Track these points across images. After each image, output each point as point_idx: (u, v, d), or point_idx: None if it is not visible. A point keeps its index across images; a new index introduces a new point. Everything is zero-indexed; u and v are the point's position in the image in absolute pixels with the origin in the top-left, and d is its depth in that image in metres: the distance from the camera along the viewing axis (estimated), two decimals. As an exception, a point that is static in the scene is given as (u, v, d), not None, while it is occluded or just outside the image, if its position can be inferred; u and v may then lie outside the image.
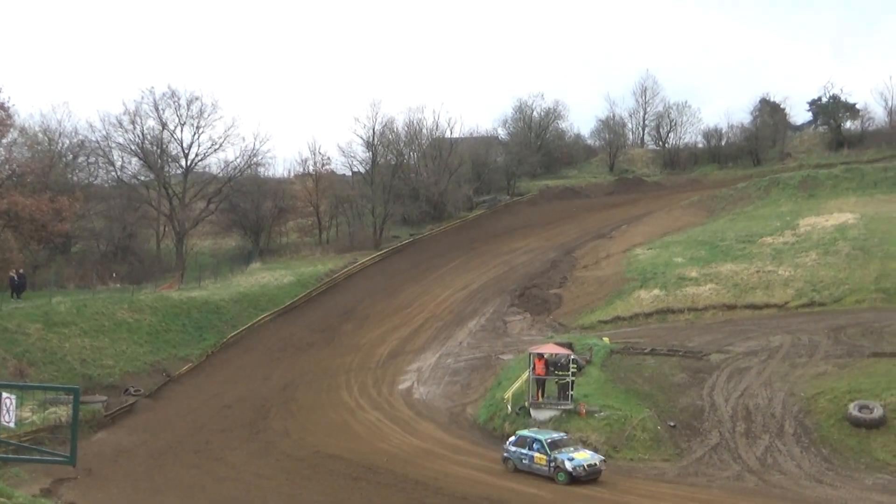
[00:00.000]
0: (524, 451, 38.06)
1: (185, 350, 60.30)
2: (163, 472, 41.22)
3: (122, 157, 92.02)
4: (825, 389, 41.57)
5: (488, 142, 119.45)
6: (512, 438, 39.43)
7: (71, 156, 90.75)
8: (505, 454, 38.90)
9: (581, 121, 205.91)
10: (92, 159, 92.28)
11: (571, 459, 36.40)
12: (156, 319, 61.78)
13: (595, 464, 36.58)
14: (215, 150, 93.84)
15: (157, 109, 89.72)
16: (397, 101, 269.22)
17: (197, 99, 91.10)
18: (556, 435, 38.85)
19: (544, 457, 37.13)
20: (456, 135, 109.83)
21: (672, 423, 41.07)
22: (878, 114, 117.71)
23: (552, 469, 36.67)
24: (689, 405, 42.84)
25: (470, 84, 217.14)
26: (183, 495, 37.78)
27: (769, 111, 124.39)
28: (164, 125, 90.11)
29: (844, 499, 33.20)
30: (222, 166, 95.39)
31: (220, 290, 71.32)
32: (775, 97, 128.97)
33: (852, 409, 38.77)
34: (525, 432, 39.28)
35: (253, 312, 68.45)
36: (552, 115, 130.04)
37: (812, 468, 36.43)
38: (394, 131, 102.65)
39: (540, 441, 37.81)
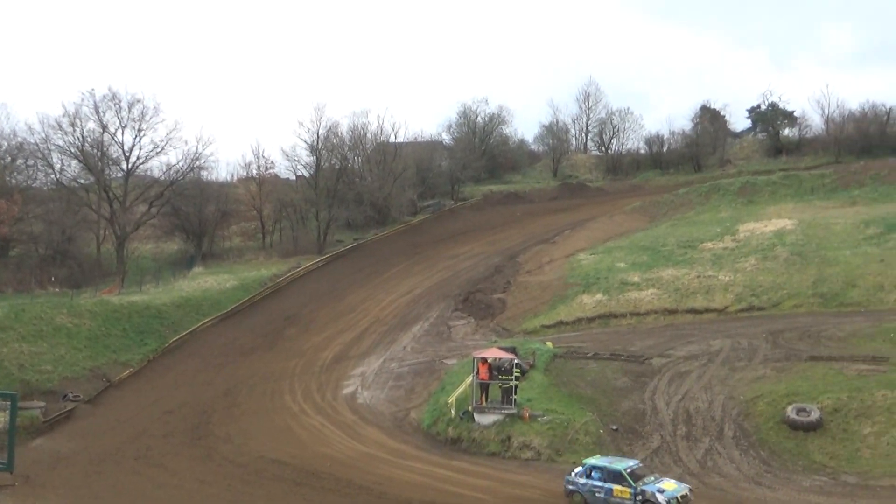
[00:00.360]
0: (598, 483, 34.00)
1: (126, 355, 59.56)
2: (102, 478, 40.70)
3: (62, 160, 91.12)
4: (764, 393, 42.21)
5: (433, 146, 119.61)
6: (578, 469, 35.17)
7: (9, 158, 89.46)
8: (570, 487, 34.73)
9: (525, 126, 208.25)
10: (31, 162, 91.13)
11: (662, 492, 32.83)
12: (96, 324, 60.96)
13: (686, 494, 33.17)
14: (157, 154, 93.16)
15: (97, 112, 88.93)
16: (342, 105, 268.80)
17: (138, 101, 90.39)
18: (632, 463, 35.11)
19: (628, 490, 33.26)
20: (400, 139, 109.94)
21: (614, 427, 41.41)
22: (816, 121, 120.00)
23: None
24: (631, 409, 43.24)
25: (414, 89, 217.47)
26: (124, 501, 37.34)
27: (709, 118, 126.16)
28: (104, 128, 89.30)
29: (782, 500, 33.70)
30: (164, 169, 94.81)
31: (162, 294, 70.59)
32: (716, 104, 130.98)
33: (790, 412, 39.43)
34: (595, 461, 35.11)
35: (195, 317, 67.81)
36: (496, 120, 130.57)
37: (751, 470, 36.95)
38: (338, 135, 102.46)
39: (619, 472, 33.81)
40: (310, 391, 53.13)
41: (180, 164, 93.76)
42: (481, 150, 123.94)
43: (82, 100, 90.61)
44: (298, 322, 68.57)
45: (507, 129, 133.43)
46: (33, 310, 59.31)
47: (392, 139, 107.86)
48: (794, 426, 38.94)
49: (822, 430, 38.51)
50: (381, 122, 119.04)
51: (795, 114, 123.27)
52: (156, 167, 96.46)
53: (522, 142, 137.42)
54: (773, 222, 73.89)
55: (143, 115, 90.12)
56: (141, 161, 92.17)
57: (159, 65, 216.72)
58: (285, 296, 75.86)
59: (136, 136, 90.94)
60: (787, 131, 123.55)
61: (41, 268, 77.62)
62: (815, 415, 38.91)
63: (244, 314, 71.16)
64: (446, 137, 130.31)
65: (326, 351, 61.23)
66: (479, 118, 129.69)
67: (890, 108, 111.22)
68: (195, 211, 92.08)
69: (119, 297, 67.81)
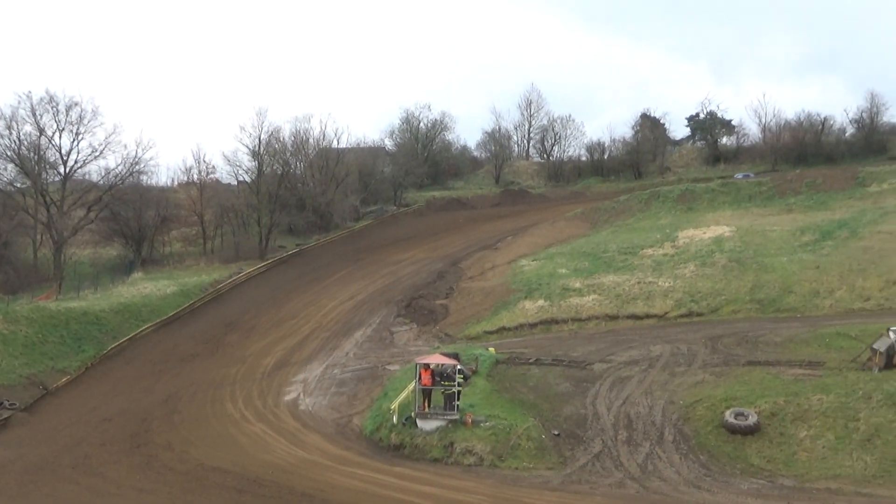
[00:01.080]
0: None
1: (64, 362, 58.65)
2: (39, 487, 39.90)
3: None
4: (703, 397, 42.72)
5: (375, 152, 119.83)
6: None
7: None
8: None
9: (468, 133, 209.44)
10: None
11: None
12: (32, 331, 59.95)
13: None
14: (95, 158, 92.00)
15: (34, 115, 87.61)
16: (284, 109, 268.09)
17: (76, 104, 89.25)
18: None
19: None
20: (343, 145, 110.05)
21: (556, 432, 41.62)
22: (753, 130, 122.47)
23: None
24: (572, 414, 43.49)
25: (357, 94, 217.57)
26: (60, 512, 36.78)
27: (650, 126, 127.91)
28: (41, 131, 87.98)
29: (721, 503, 34.15)
30: (103, 174, 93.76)
31: (101, 300, 69.63)
32: (656, 113, 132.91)
33: (728, 417, 39.95)
34: None
35: (135, 323, 67.02)
36: (439, 126, 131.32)
37: (690, 474, 37.34)
38: (280, 141, 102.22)
39: None
40: (251, 398, 52.71)
41: (119, 168, 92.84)
42: (424, 156, 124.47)
43: (19, 102, 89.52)
44: (240, 328, 68.04)
45: (449, 136, 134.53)
46: (-32, 316, 58.27)
47: (335, 145, 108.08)
48: (733, 430, 39.45)
49: (759, 434, 39.06)
50: (323, 128, 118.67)
51: (733, 123, 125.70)
52: (94, 171, 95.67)
53: (465, 148, 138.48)
54: (712, 229, 74.98)
55: (81, 118, 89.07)
56: (79, 165, 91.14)
57: (98, 67, 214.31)
58: (227, 302, 75.29)
59: (73, 140, 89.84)
60: (725, 140, 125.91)
61: (-25, 273, 76.25)
62: (752, 419, 39.47)
63: (184, 320, 70.46)
64: (389, 143, 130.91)
65: (268, 357, 60.81)
66: (421, 124, 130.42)
67: (825, 118, 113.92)
68: (134, 216, 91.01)
69: (56, 304, 66.77)
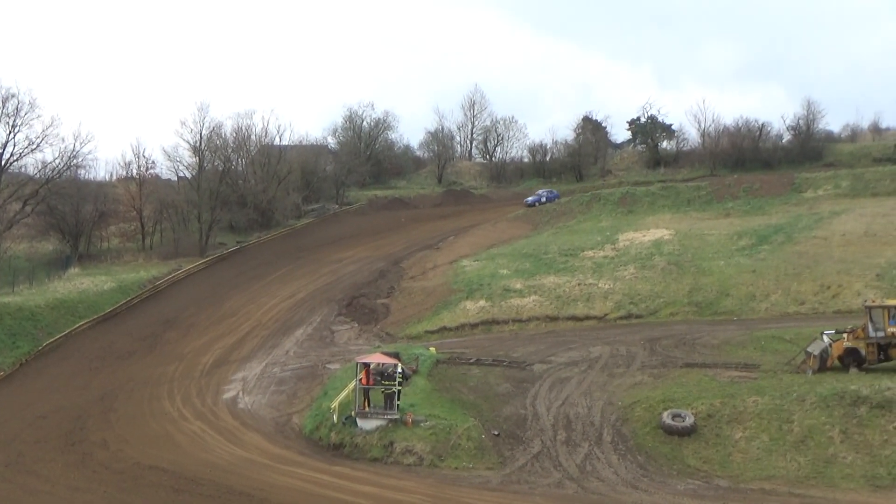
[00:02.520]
0: None
1: (-3, 358, 57.58)
2: (-30, 486, 39.19)
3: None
4: (641, 399, 43.20)
5: (318, 150, 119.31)
6: None
7: None
8: None
9: (411, 132, 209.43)
10: None
11: None
12: (-36, 326, 58.82)
13: None
14: (32, 151, 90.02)
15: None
16: (226, 105, 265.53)
17: (13, 96, 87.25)
18: None
19: None
20: (285, 142, 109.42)
21: (496, 432, 41.79)
22: (692, 135, 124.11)
23: None
24: (512, 414, 43.72)
25: (300, 92, 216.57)
26: (-7, 510, 36.10)
27: (591, 129, 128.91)
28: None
29: (658, 504, 34.56)
30: (40, 167, 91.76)
31: (36, 295, 68.44)
32: (598, 116, 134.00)
33: (666, 418, 40.43)
34: None
35: (71, 319, 65.98)
36: (382, 125, 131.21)
37: (628, 475, 37.71)
38: (221, 136, 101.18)
39: None
40: (190, 396, 52.20)
41: (56, 161, 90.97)
42: (366, 154, 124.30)
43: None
44: (178, 326, 67.34)
45: (392, 135, 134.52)
46: None
47: (277, 142, 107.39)
48: (670, 431, 39.94)
49: (696, 436, 39.57)
50: (265, 125, 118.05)
51: (673, 127, 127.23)
52: (30, 164, 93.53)
53: (408, 147, 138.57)
54: (652, 232, 75.89)
55: (17, 110, 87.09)
56: (15, 158, 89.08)
57: (36, 59, 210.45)
58: (165, 299, 74.48)
59: (9, 133, 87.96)
60: (665, 144, 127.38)
61: None
62: (689, 420, 39.99)
63: (122, 317, 69.58)
64: (332, 141, 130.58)
65: (207, 355, 60.28)
66: (364, 123, 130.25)
67: (763, 124, 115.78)
68: (72, 210, 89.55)
69: (-11, 298, 65.52)
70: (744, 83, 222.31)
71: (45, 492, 38.04)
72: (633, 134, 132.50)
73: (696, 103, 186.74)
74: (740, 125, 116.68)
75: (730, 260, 65.88)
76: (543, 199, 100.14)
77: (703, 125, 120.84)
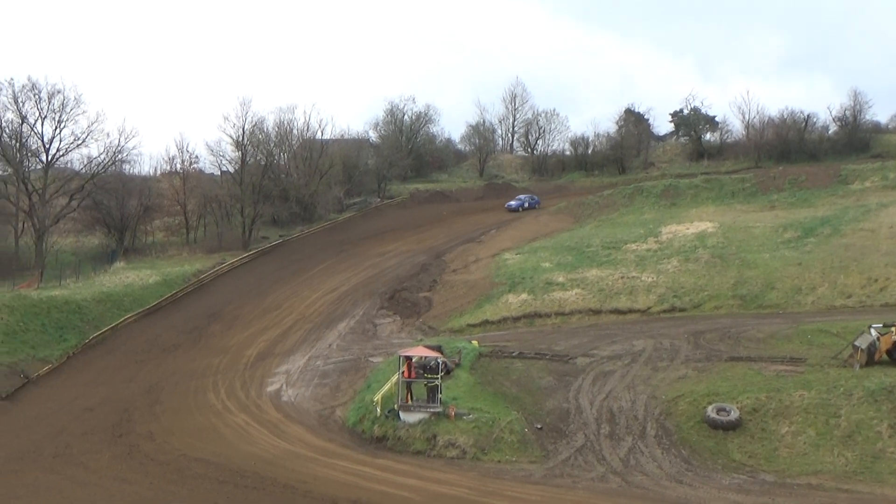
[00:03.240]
0: None
1: (45, 351, 58.27)
2: (20, 477, 39.65)
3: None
4: (685, 392, 42.91)
5: (359, 144, 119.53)
6: None
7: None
8: None
9: (452, 126, 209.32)
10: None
11: None
12: (13, 319, 59.54)
13: None
14: (78, 146, 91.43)
15: (16, 102, 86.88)
16: (268, 100, 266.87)
17: (59, 92, 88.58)
18: None
19: None
20: (327, 136, 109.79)
21: (539, 426, 41.71)
22: (736, 127, 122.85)
23: None
24: (555, 408, 43.61)
25: (342, 85, 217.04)
26: (42, 500, 36.48)
27: (634, 121, 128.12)
28: (23, 118, 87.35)
29: (703, 498, 34.23)
30: (85, 162, 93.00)
31: (83, 289, 69.26)
32: (640, 108, 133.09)
33: (710, 412, 40.13)
34: None
35: (117, 313, 66.69)
36: (423, 119, 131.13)
37: (672, 469, 37.50)
38: (264, 131, 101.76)
39: None
40: (234, 389, 52.60)
41: (102, 156, 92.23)
42: (408, 148, 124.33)
43: (1, 90, 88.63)
44: (223, 319, 67.84)
45: (433, 128, 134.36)
46: (-52, 303, 57.86)
47: (318, 136, 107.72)
48: (715, 425, 39.64)
49: (741, 430, 39.25)
50: (307, 119, 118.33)
51: (717, 119, 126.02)
52: (76, 160, 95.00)
53: (449, 141, 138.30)
54: (695, 225, 75.26)
55: (63, 106, 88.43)
56: (61, 153, 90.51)
57: (82, 55, 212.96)
58: (209, 292, 75.06)
59: (56, 128, 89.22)
60: (708, 136, 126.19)
61: (-44, 261, 75.80)
62: (734, 414, 39.66)
63: (167, 310, 70.21)
64: (373, 135, 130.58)
65: (251, 348, 60.68)
66: (406, 116, 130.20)
67: (808, 115, 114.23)
68: (117, 205, 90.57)
69: (38, 292, 66.36)
70: (788, 74, 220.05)
71: (92, 483, 38.48)
72: (676, 126, 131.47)
73: (740, 94, 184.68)
74: (785, 116, 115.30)
75: (775, 253, 65.21)
76: (525, 205, 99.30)
77: (747, 116, 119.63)
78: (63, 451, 43.20)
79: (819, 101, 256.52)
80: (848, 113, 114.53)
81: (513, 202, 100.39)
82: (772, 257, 64.12)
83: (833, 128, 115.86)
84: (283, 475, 37.80)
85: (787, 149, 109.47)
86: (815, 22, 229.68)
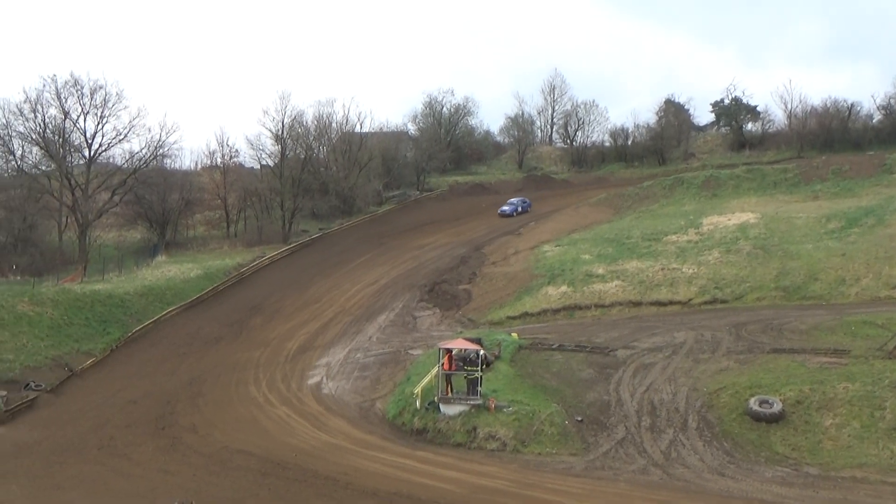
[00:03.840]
0: None
1: (89, 344, 58.96)
2: (65, 468, 40.24)
3: (23, 147, 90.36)
4: (727, 385, 42.57)
5: (398, 137, 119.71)
6: None
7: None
8: None
9: (490, 118, 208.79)
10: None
11: None
12: (58, 313, 60.32)
13: None
14: (120, 141, 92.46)
15: (59, 98, 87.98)
16: (307, 93, 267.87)
17: (101, 88, 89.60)
18: None
19: None
20: (366, 129, 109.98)
21: (579, 418, 41.59)
22: (778, 116, 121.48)
23: None
24: (595, 400, 43.45)
25: (380, 79, 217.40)
26: (86, 492, 36.98)
27: (674, 112, 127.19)
28: (66, 114, 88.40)
29: (745, 491, 34.00)
30: (127, 157, 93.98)
31: (125, 283, 69.99)
32: (680, 98, 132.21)
33: (753, 404, 39.78)
34: None
35: (159, 306, 67.31)
36: (462, 111, 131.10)
37: (714, 461, 37.25)
38: (303, 125, 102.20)
39: None
40: (275, 381, 52.93)
41: (143, 151, 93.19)
42: (447, 140, 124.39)
43: (44, 86, 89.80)
44: (263, 312, 68.27)
45: (472, 121, 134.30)
46: (-6, 298, 58.62)
47: (357, 129, 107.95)
48: (757, 418, 39.31)
49: (784, 422, 38.90)
50: (346, 112, 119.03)
51: (758, 109, 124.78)
52: (118, 155, 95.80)
53: (488, 133, 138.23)
54: (737, 216, 74.53)
55: (105, 101, 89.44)
56: (103, 148, 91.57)
57: (122, 51, 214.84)
58: (250, 285, 75.56)
59: (98, 123, 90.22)
60: (750, 126, 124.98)
61: (1, 255, 76.85)
62: (777, 407, 39.30)
63: (208, 304, 70.75)
64: (412, 128, 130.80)
65: (291, 341, 61.01)
66: (444, 109, 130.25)
67: (852, 104, 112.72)
68: (158, 199, 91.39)
69: (81, 286, 67.14)
70: (833, 62, 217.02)
71: (136, 475, 38.94)
72: (717, 116, 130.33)
73: (782, 84, 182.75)
74: (828, 105, 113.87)
75: (818, 243, 64.42)
76: (519, 209, 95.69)
77: (789, 106, 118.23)
78: (107, 443, 43.74)
79: (863, 89, 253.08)
80: (893, 101, 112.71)
81: (506, 207, 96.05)
82: (815, 248, 63.36)
83: (877, 116, 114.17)
84: (324, 467, 38.03)
85: (830, 138, 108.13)
86: (860, 9, 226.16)
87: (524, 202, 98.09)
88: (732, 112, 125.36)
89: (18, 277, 69.58)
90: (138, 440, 44.11)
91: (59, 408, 50.26)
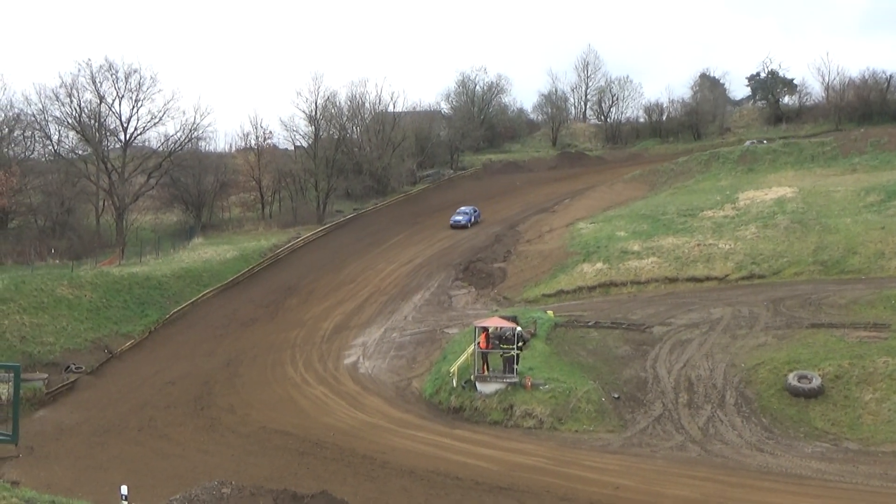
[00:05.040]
0: None
1: (128, 326, 59.48)
2: (106, 449, 40.75)
3: (59, 131, 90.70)
4: (765, 360, 42.31)
5: (431, 116, 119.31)
6: None
7: (6, 130, 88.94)
8: None
9: (524, 95, 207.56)
10: (28, 133, 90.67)
11: None
12: (96, 296, 60.83)
13: None
14: (155, 124, 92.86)
15: (94, 82, 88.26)
16: (340, 74, 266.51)
17: (135, 72, 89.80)
18: None
19: None
20: (399, 109, 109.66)
21: (616, 395, 41.51)
22: (816, 89, 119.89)
23: None
24: (632, 377, 43.34)
25: (413, 58, 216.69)
26: (127, 472, 37.29)
27: (709, 86, 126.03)
28: (101, 98, 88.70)
29: (784, 466, 33.84)
30: (162, 140, 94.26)
31: (162, 265, 70.46)
32: (715, 73, 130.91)
33: (791, 380, 39.52)
34: None
35: (196, 288, 67.71)
36: (495, 89, 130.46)
37: (753, 437, 37.08)
38: (336, 105, 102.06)
39: None
40: (311, 361, 53.19)
41: (178, 134, 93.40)
42: (480, 119, 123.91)
43: (79, 70, 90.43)
44: (299, 292, 68.53)
45: (505, 99, 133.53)
46: (34, 281, 59.15)
47: (390, 109, 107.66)
48: (796, 393, 39.05)
49: (823, 397, 38.64)
50: (379, 92, 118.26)
51: (795, 82, 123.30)
52: (154, 138, 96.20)
53: (521, 111, 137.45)
54: (774, 190, 73.82)
55: (140, 85, 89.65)
56: (139, 132, 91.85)
57: (156, 35, 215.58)
58: (285, 266, 75.83)
59: (133, 107, 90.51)
60: (786, 99, 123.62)
61: (40, 239, 77.44)
62: (816, 382, 39.02)
63: (244, 285, 71.11)
64: (445, 107, 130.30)
65: (327, 321, 61.23)
66: (477, 87, 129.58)
67: (890, 76, 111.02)
68: (194, 182, 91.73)
69: (119, 269, 67.66)
70: (871, 33, 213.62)
71: (176, 455, 39.35)
72: (753, 90, 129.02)
73: (820, 56, 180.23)
74: (867, 77, 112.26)
75: (857, 217, 63.69)
76: (472, 220, 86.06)
77: (827, 78, 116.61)
78: (147, 424, 44.21)
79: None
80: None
81: (458, 217, 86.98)
82: (853, 222, 62.66)
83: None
84: (362, 446, 38.22)
85: (868, 110, 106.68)
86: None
87: (475, 211, 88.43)
88: (769, 86, 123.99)
89: (57, 261, 70.18)
90: (177, 421, 44.54)
91: (99, 389, 50.83)
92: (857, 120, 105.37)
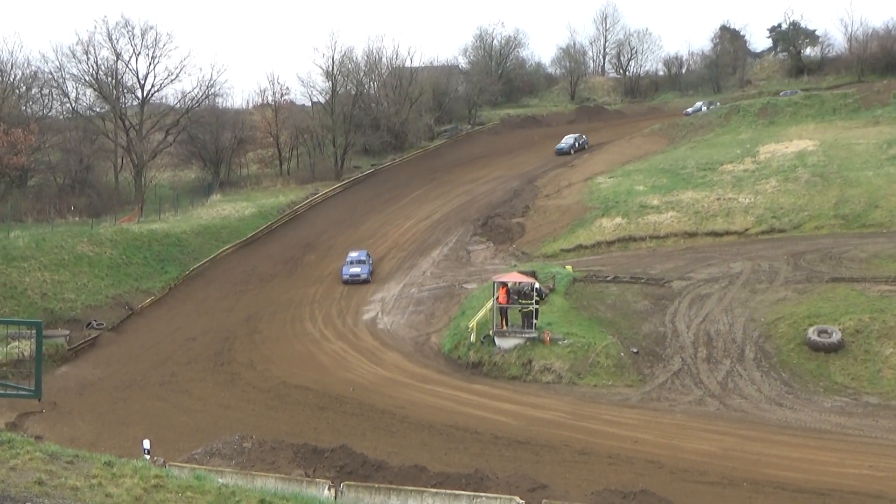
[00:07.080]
0: None
1: (148, 283, 59.81)
2: (128, 404, 41.09)
3: (77, 89, 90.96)
4: (785, 315, 42.15)
5: (449, 71, 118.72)
6: None
7: (24, 87, 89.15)
8: None
9: (542, 49, 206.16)
10: (46, 91, 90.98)
11: None
12: (116, 252, 61.11)
13: None
14: (172, 81, 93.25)
15: (110, 39, 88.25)
16: (356, 30, 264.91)
17: (152, 28, 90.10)
18: None
19: None
20: (416, 64, 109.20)
21: (635, 350, 41.48)
22: (838, 41, 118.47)
23: None
24: (651, 332, 43.28)
25: (430, 12, 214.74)
26: (149, 427, 37.59)
27: (729, 38, 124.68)
28: (118, 55, 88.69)
29: (804, 421, 33.83)
30: (179, 97, 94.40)
31: (181, 222, 70.68)
32: (736, 24, 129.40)
33: (811, 334, 39.35)
34: None
35: (214, 244, 67.95)
36: (513, 43, 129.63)
37: (772, 392, 37.02)
38: (353, 61, 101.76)
39: None
40: (330, 317, 53.38)
41: (195, 91, 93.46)
42: (498, 73, 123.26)
43: (95, 27, 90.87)
44: (317, 248, 68.62)
45: (523, 53, 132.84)
46: (54, 239, 59.45)
47: (408, 64, 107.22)
48: (816, 347, 38.90)
49: (843, 352, 38.48)
50: (396, 47, 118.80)
51: (817, 33, 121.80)
52: (171, 95, 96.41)
53: (539, 65, 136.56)
54: (795, 143, 73.10)
55: (156, 42, 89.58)
56: (156, 89, 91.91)
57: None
58: (304, 222, 75.90)
59: (150, 64, 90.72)
60: (808, 51, 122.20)
61: (60, 197, 77.84)
62: (836, 336, 38.84)
63: (263, 241, 71.28)
64: (462, 61, 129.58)
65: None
66: (495, 41, 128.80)
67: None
68: (211, 138, 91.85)
69: (139, 226, 67.94)
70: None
71: (197, 410, 39.66)
72: (774, 42, 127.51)
73: (843, 7, 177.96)
74: (890, 27, 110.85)
75: (879, 170, 63.05)
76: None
77: (849, 29, 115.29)
78: (169, 380, 44.54)
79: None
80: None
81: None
82: (875, 175, 62.06)
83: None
84: (381, 401, 38.42)
85: (892, 62, 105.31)
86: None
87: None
88: (790, 37, 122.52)
89: (77, 218, 70.51)
90: (198, 376, 44.86)
91: (120, 346, 51.20)
92: (879, 71, 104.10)
